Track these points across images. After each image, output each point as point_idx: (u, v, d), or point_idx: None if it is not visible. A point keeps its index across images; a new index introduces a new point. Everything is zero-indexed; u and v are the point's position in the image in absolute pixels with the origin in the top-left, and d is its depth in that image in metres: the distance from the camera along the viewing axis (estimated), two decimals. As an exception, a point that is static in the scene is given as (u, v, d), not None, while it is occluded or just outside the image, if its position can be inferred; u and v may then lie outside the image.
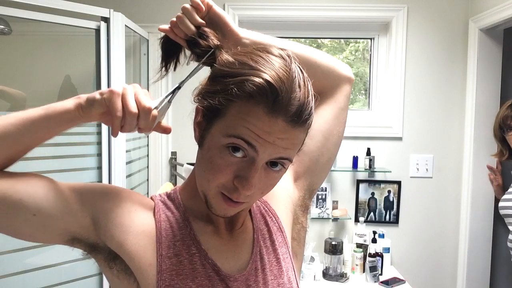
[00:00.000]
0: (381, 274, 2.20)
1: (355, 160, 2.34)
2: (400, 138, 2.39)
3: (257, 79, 0.55)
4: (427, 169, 2.39)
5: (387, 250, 2.30)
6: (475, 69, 2.26)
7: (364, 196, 2.41)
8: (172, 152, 2.37)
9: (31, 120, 0.59)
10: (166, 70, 0.71)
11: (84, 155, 1.75)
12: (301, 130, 0.59)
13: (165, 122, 0.64)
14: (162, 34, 0.70)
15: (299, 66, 0.60)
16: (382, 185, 2.40)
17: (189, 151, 2.34)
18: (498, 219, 2.31)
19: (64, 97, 0.62)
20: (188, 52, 0.69)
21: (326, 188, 2.40)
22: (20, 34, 2.07)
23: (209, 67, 0.65)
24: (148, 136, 2.32)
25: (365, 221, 2.33)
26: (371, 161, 2.31)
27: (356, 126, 2.37)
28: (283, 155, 0.59)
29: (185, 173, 1.99)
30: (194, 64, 0.67)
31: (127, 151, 1.91)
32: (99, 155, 1.75)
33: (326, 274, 2.18)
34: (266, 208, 0.76)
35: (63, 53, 2.17)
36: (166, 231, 0.66)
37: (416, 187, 2.40)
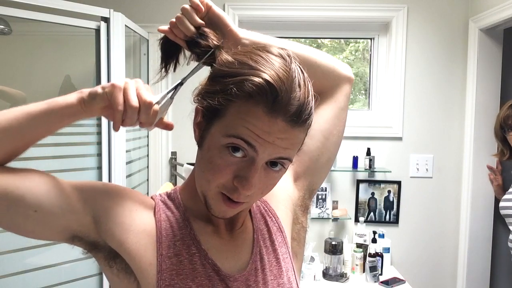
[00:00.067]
0: (381, 274, 2.20)
1: (355, 160, 2.34)
2: (400, 138, 2.39)
3: (256, 79, 0.55)
4: (427, 169, 2.39)
5: (387, 250, 2.30)
6: (475, 69, 2.26)
7: (364, 196, 2.41)
8: (172, 152, 2.37)
9: (34, 114, 0.59)
10: (166, 71, 0.71)
11: (84, 155, 1.75)
12: (300, 130, 0.59)
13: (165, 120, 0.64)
14: (162, 34, 0.69)
15: (299, 66, 0.60)
16: (382, 185, 2.40)
17: (189, 151, 2.34)
18: (498, 219, 2.31)
19: (64, 97, 0.62)
20: (187, 53, 0.69)
21: (326, 188, 2.40)
22: (20, 34, 2.07)
23: (210, 67, 0.65)
24: (148, 136, 2.32)
25: (365, 221, 2.33)
26: (371, 161, 2.31)
27: (356, 126, 2.37)
28: (282, 155, 0.59)
29: (185, 173, 1.99)
30: (195, 63, 0.67)
31: (127, 151, 1.91)
32: (99, 155, 1.75)
33: (326, 274, 2.18)
34: (266, 208, 0.76)
35: (63, 53, 2.17)
36: (166, 230, 0.66)
37: (416, 187, 2.40)
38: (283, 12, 2.32)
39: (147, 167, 2.33)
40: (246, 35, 0.70)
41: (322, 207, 2.38)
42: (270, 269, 0.70)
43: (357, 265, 2.22)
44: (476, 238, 2.32)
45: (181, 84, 0.64)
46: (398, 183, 2.40)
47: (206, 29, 0.65)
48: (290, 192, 0.79)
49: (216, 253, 0.67)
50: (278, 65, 0.57)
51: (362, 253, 2.21)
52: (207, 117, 0.61)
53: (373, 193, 2.41)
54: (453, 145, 2.39)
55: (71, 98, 0.59)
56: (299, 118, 0.57)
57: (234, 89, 0.56)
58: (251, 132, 0.56)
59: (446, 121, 2.38)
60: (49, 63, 2.20)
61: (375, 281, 2.12)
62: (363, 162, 2.34)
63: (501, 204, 2.09)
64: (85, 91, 0.59)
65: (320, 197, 2.39)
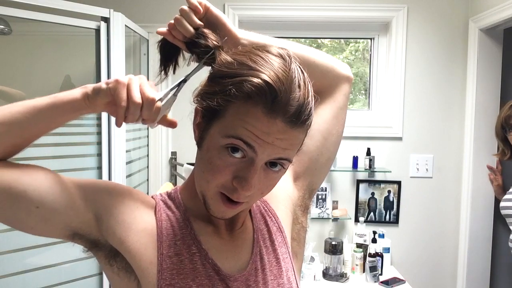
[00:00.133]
0: (381, 274, 2.20)
1: (355, 160, 2.34)
2: (400, 138, 2.39)
3: (255, 80, 0.55)
4: (427, 169, 2.39)
5: (387, 250, 2.30)
6: (475, 69, 2.26)
7: (364, 196, 2.41)
8: (172, 152, 2.37)
9: (38, 108, 0.59)
10: (166, 73, 0.70)
11: (84, 155, 1.75)
12: (300, 130, 0.59)
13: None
14: (160, 36, 0.69)
15: (299, 66, 0.59)
16: (382, 185, 2.40)
17: (189, 151, 2.34)
18: (498, 219, 2.31)
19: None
20: (186, 55, 0.69)
21: (326, 188, 2.40)
22: (20, 34, 2.07)
23: (210, 67, 0.65)
24: (148, 136, 2.32)
25: (365, 221, 2.33)
26: (371, 161, 2.31)
27: (356, 126, 2.37)
28: (282, 156, 0.59)
29: (185, 173, 1.99)
30: (195, 64, 0.67)
31: (127, 151, 1.91)
32: (99, 155, 1.75)
33: (326, 274, 2.18)
34: (266, 208, 0.76)
35: (63, 53, 2.17)
36: (167, 230, 0.67)
37: (416, 187, 2.40)
38: (283, 12, 2.32)
39: (147, 167, 2.33)
40: (245, 35, 0.70)
41: (322, 207, 2.38)
42: (270, 269, 0.70)
43: (357, 265, 2.22)
44: (476, 238, 2.32)
45: (184, 81, 0.64)
46: (398, 183, 2.40)
47: (206, 30, 0.65)
48: (290, 192, 0.79)
49: (216, 253, 0.67)
50: (277, 65, 0.57)
51: (362, 253, 2.21)
52: (206, 118, 0.61)
53: (373, 193, 2.41)
54: (453, 145, 2.39)
55: (76, 93, 0.60)
56: (299, 118, 0.57)
57: (233, 89, 0.56)
58: (250, 133, 0.56)
59: (446, 121, 2.38)
60: (49, 63, 2.20)
61: (375, 281, 2.12)
62: (363, 162, 2.34)
63: (502, 204, 2.09)
64: (89, 87, 0.60)
65: (320, 197, 2.39)
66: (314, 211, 2.35)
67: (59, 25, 1.62)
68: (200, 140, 0.64)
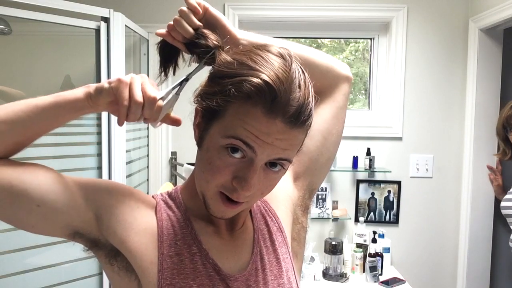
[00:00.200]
0: (381, 274, 2.20)
1: (355, 160, 2.34)
2: (400, 138, 2.39)
3: (255, 80, 0.55)
4: (427, 169, 2.39)
5: (387, 250, 2.30)
6: (475, 69, 2.26)
7: (364, 196, 2.41)
8: (172, 152, 2.37)
9: (41, 107, 0.60)
10: (166, 75, 0.70)
11: (84, 155, 1.75)
12: (300, 131, 0.59)
13: None
14: (160, 38, 0.69)
15: (300, 67, 0.59)
16: (382, 185, 2.40)
17: (189, 151, 2.34)
18: (498, 219, 2.31)
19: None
20: (186, 56, 0.69)
21: (326, 188, 2.40)
22: (20, 34, 2.07)
23: (211, 67, 0.65)
24: (148, 136, 2.32)
25: (365, 221, 2.33)
26: (371, 161, 2.31)
27: (356, 126, 2.37)
28: (282, 156, 0.59)
29: (185, 173, 1.99)
30: (195, 64, 0.67)
31: (127, 151, 1.91)
32: (99, 155, 1.75)
33: (326, 274, 2.18)
34: (266, 208, 0.76)
35: (63, 53, 2.17)
36: (168, 230, 0.67)
37: (416, 187, 2.40)
38: (283, 12, 2.32)
39: (147, 167, 2.33)
40: (244, 35, 0.70)
41: (322, 207, 2.38)
42: (271, 269, 0.70)
43: (357, 265, 2.22)
44: (476, 238, 2.32)
45: (186, 80, 0.64)
46: (398, 183, 2.40)
47: (205, 30, 0.65)
48: (290, 192, 0.79)
49: (217, 253, 0.67)
50: (277, 65, 0.56)
51: (362, 253, 2.21)
52: (206, 118, 0.61)
53: (373, 193, 2.41)
54: (453, 145, 2.39)
55: (78, 92, 0.60)
56: (298, 119, 0.57)
57: (233, 90, 0.56)
58: (250, 133, 0.56)
59: (446, 121, 2.38)
60: (49, 63, 2.20)
61: (375, 281, 2.12)
62: (363, 162, 2.34)
63: (503, 204, 2.09)
64: (92, 86, 0.60)
65: (320, 197, 2.39)
66: (314, 211, 2.35)
67: (59, 25, 1.62)
68: (200, 140, 0.64)
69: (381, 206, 2.41)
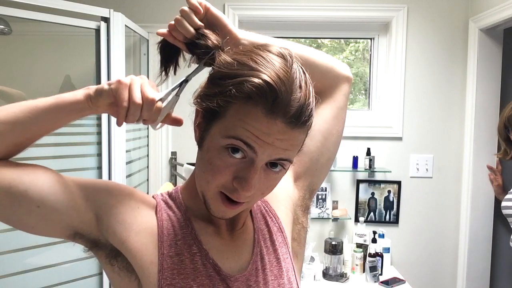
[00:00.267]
0: (381, 274, 2.20)
1: (355, 160, 2.34)
2: (400, 138, 2.39)
3: (256, 80, 0.55)
4: (427, 169, 2.39)
5: (387, 250, 2.30)
6: (475, 69, 2.26)
7: (364, 196, 2.41)
8: (172, 152, 2.37)
9: (41, 108, 0.60)
10: (166, 74, 0.70)
11: (84, 155, 1.75)
12: (300, 131, 0.59)
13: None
14: (160, 37, 0.69)
15: (301, 67, 0.59)
16: (382, 185, 2.40)
17: (189, 151, 2.34)
18: (498, 219, 2.31)
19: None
20: (187, 55, 0.68)
21: (326, 188, 2.40)
22: (20, 34, 2.07)
23: (211, 68, 0.65)
24: (148, 136, 2.32)
25: (365, 221, 2.33)
26: (371, 161, 2.31)
27: (356, 126, 2.37)
28: (282, 156, 0.59)
29: (185, 173, 1.99)
30: (196, 65, 0.67)
31: (127, 151, 1.91)
32: (99, 155, 1.75)
33: (326, 274, 2.18)
34: (266, 208, 0.76)
35: (63, 53, 2.17)
36: (168, 230, 0.67)
37: (416, 187, 2.40)
38: (283, 12, 2.32)
39: (147, 167, 2.33)
40: (245, 35, 0.70)
41: (322, 207, 2.38)
42: (271, 269, 0.70)
43: (357, 265, 2.22)
44: (476, 238, 2.32)
45: (186, 81, 0.64)
46: (398, 183, 2.40)
47: (206, 30, 0.65)
48: (290, 192, 0.79)
49: (217, 253, 0.67)
50: (278, 65, 0.56)
51: (362, 253, 2.21)
52: (207, 119, 0.61)
53: (373, 193, 2.41)
54: (453, 145, 2.39)
55: (78, 94, 0.60)
56: (299, 119, 0.57)
57: (233, 90, 0.56)
58: (250, 134, 0.56)
59: (446, 121, 2.38)
60: (49, 63, 2.20)
61: (375, 281, 2.12)
62: (363, 162, 2.34)
63: (503, 203, 2.08)
64: (92, 88, 0.61)
65: (320, 197, 2.39)
66: (314, 211, 2.35)
67: (59, 25, 1.62)
68: (200, 140, 0.64)
69: (381, 206, 2.41)
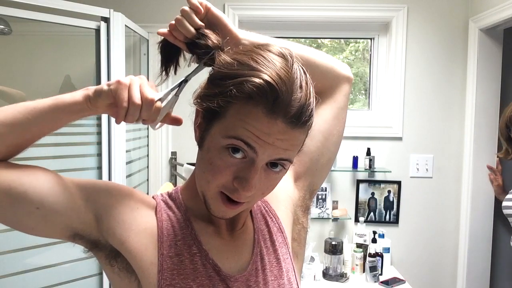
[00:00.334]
0: (381, 274, 2.20)
1: (355, 160, 2.34)
2: (400, 138, 2.39)
3: (256, 80, 0.55)
4: (427, 169, 2.39)
5: (387, 250, 2.30)
6: (475, 69, 2.26)
7: (364, 196, 2.41)
8: (172, 152, 2.37)
9: (40, 109, 0.60)
10: (167, 74, 0.70)
11: (84, 155, 1.75)
12: (301, 131, 0.59)
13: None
14: (161, 37, 0.69)
15: (301, 67, 0.59)
16: (382, 185, 2.40)
17: (189, 151, 2.34)
18: (498, 219, 2.31)
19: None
20: (187, 55, 0.68)
21: (326, 188, 2.40)
22: (20, 34, 2.07)
23: (211, 68, 0.65)
24: (148, 136, 2.32)
25: (365, 221, 2.33)
26: (371, 161, 2.31)
27: (356, 126, 2.37)
28: (283, 156, 0.59)
29: (185, 173, 1.99)
30: (196, 64, 0.67)
31: (127, 151, 1.91)
32: (99, 155, 1.75)
33: (326, 274, 2.18)
34: (266, 208, 0.76)
35: (63, 53, 2.17)
36: (168, 230, 0.67)
37: (416, 187, 2.40)
38: (283, 12, 2.32)
39: (147, 167, 2.33)
40: (246, 35, 0.70)
41: (322, 207, 2.38)
42: (271, 270, 0.70)
43: (357, 265, 2.22)
44: (476, 238, 2.32)
45: (185, 81, 0.64)
46: (398, 183, 2.40)
47: (206, 30, 0.65)
48: (290, 192, 0.79)
49: (217, 253, 0.67)
50: (279, 65, 0.56)
51: (362, 253, 2.21)
52: (207, 119, 0.61)
53: (373, 193, 2.41)
54: (453, 145, 2.39)
55: (77, 95, 0.60)
56: (299, 119, 0.57)
57: (234, 90, 0.56)
58: (251, 133, 0.56)
59: (446, 121, 2.38)
60: (49, 63, 2.20)
61: (375, 281, 2.12)
62: (363, 162, 2.34)
63: (504, 203, 2.08)
64: (91, 88, 0.60)
65: (320, 197, 2.39)
66: (314, 211, 2.35)
67: (59, 25, 1.62)
68: (200, 140, 0.64)
69: (381, 206, 2.41)
